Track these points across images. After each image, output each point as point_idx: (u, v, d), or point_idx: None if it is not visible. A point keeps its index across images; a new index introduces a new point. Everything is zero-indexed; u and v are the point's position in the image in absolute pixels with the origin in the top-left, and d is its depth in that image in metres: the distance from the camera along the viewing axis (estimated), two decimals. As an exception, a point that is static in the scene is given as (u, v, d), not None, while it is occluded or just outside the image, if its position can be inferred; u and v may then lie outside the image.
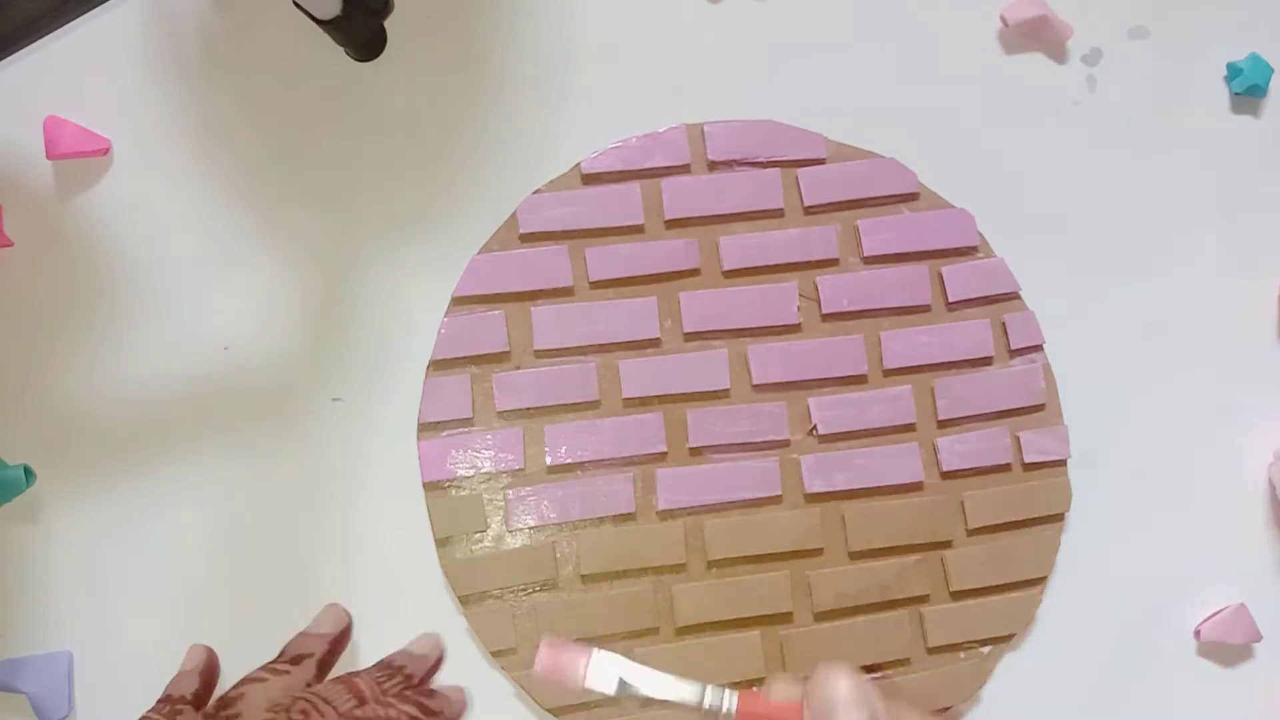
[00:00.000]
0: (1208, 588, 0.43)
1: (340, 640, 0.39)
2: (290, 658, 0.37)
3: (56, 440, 0.40)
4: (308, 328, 0.41)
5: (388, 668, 0.37)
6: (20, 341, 0.41)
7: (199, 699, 0.38)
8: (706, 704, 0.29)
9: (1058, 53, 0.46)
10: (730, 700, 0.30)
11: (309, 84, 0.43)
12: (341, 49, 0.43)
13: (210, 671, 0.38)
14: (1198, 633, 0.43)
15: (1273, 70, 0.46)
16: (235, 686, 0.36)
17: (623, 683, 0.30)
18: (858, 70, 0.45)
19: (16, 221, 0.41)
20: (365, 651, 0.39)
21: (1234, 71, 0.46)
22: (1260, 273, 0.45)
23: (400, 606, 0.40)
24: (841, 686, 0.28)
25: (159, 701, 0.37)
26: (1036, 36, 0.46)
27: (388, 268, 0.42)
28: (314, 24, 0.41)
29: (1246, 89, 0.46)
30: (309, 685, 0.37)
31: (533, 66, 0.44)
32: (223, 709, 0.35)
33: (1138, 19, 0.47)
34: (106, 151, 0.42)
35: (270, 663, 0.37)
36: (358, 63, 0.43)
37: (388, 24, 0.43)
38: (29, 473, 0.39)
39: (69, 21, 0.43)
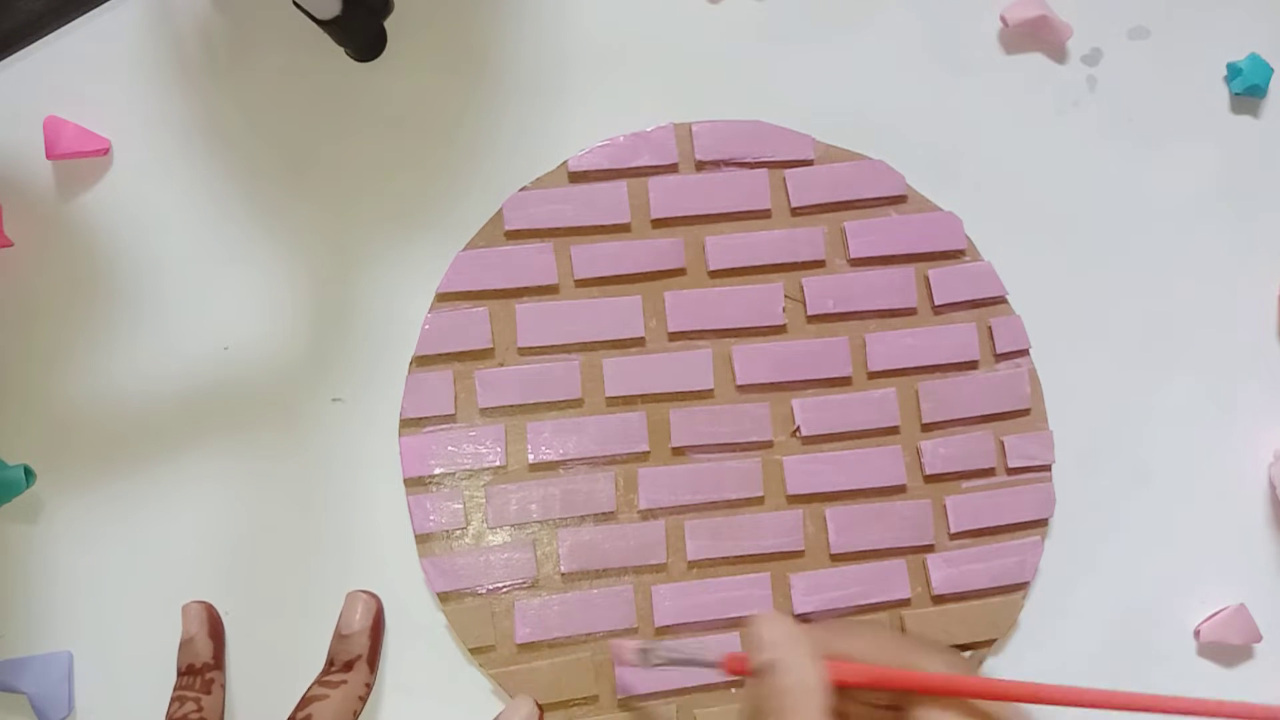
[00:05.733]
0: (1208, 588, 0.43)
1: (378, 629, 0.39)
2: (341, 665, 0.38)
3: (56, 440, 0.40)
4: (309, 327, 0.41)
5: None
6: (20, 341, 0.41)
7: (219, 660, 0.38)
8: (702, 661, 0.34)
9: (1058, 53, 0.46)
10: (716, 654, 0.33)
11: (309, 84, 0.43)
12: (341, 49, 0.43)
13: (216, 629, 0.39)
14: (1198, 633, 0.43)
15: (1273, 70, 0.46)
16: (299, 708, 0.37)
17: (642, 653, 0.35)
18: (856, 71, 0.45)
19: (16, 221, 0.41)
20: (393, 644, 0.40)
21: (1234, 71, 0.46)
22: (1260, 273, 0.45)
23: (404, 602, 0.40)
24: (767, 630, 0.29)
25: (183, 675, 0.38)
26: (1036, 36, 0.46)
27: (389, 266, 0.42)
28: (314, 24, 0.41)
29: (1246, 89, 0.46)
30: (369, 686, 0.38)
31: (534, 66, 0.44)
32: None
33: (1138, 19, 0.47)
34: (106, 151, 0.42)
35: (323, 675, 0.38)
36: (358, 63, 0.43)
37: (388, 24, 0.43)
38: (29, 473, 0.39)
39: (69, 21, 0.43)
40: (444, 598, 0.39)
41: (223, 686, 0.38)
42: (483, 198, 0.42)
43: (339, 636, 0.39)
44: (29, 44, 0.43)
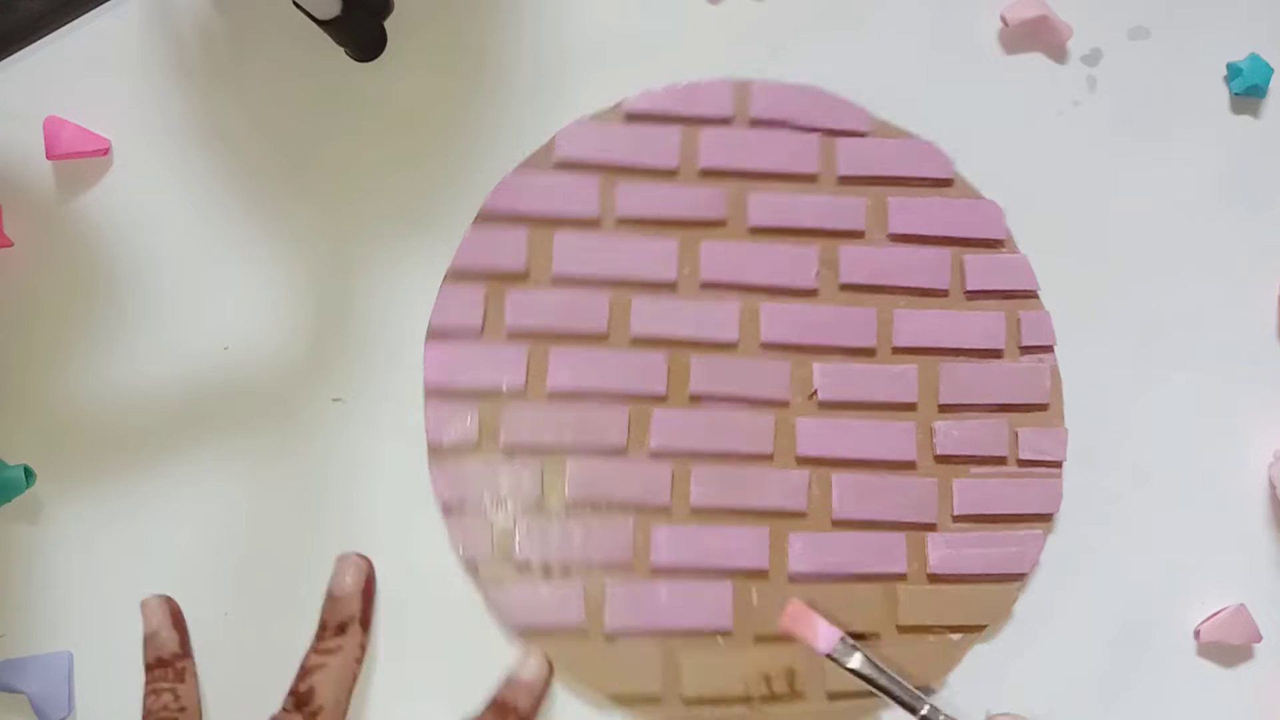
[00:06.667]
0: (1208, 588, 0.43)
1: (370, 589, 0.39)
2: (334, 628, 0.38)
3: (56, 440, 0.40)
4: (309, 327, 0.41)
5: (501, 710, 0.37)
6: (20, 341, 0.41)
7: (186, 649, 0.38)
8: (923, 713, 0.34)
9: (1058, 53, 0.46)
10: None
11: (309, 84, 0.43)
12: (341, 49, 0.43)
13: (179, 619, 0.39)
14: (1198, 633, 0.43)
15: (1273, 70, 0.46)
16: (301, 678, 0.37)
17: (865, 660, 0.37)
18: (855, 70, 0.45)
19: (16, 221, 0.41)
20: (393, 641, 0.40)
21: (1234, 71, 0.46)
22: (1260, 273, 0.45)
23: (411, 594, 0.40)
24: None
25: (154, 668, 0.38)
26: (1036, 36, 0.46)
27: (389, 266, 0.42)
28: (314, 24, 0.41)
29: (1246, 89, 0.46)
30: (363, 647, 0.38)
31: (534, 66, 0.44)
32: (302, 705, 0.36)
33: (1138, 19, 0.47)
34: (106, 151, 0.42)
35: (318, 642, 0.38)
36: (358, 63, 0.43)
37: (388, 24, 0.44)
38: (29, 473, 0.39)
39: (69, 21, 0.43)
40: (447, 508, 0.40)
41: (195, 675, 0.38)
42: (482, 198, 0.42)
43: (331, 599, 0.39)
44: (29, 44, 0.43)
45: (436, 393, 0.41)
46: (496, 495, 0.40)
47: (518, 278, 0.42)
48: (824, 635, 0.38)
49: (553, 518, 0.40)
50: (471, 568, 0.40)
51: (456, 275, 0.41)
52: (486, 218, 0.42)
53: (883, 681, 0.37)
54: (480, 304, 0.41)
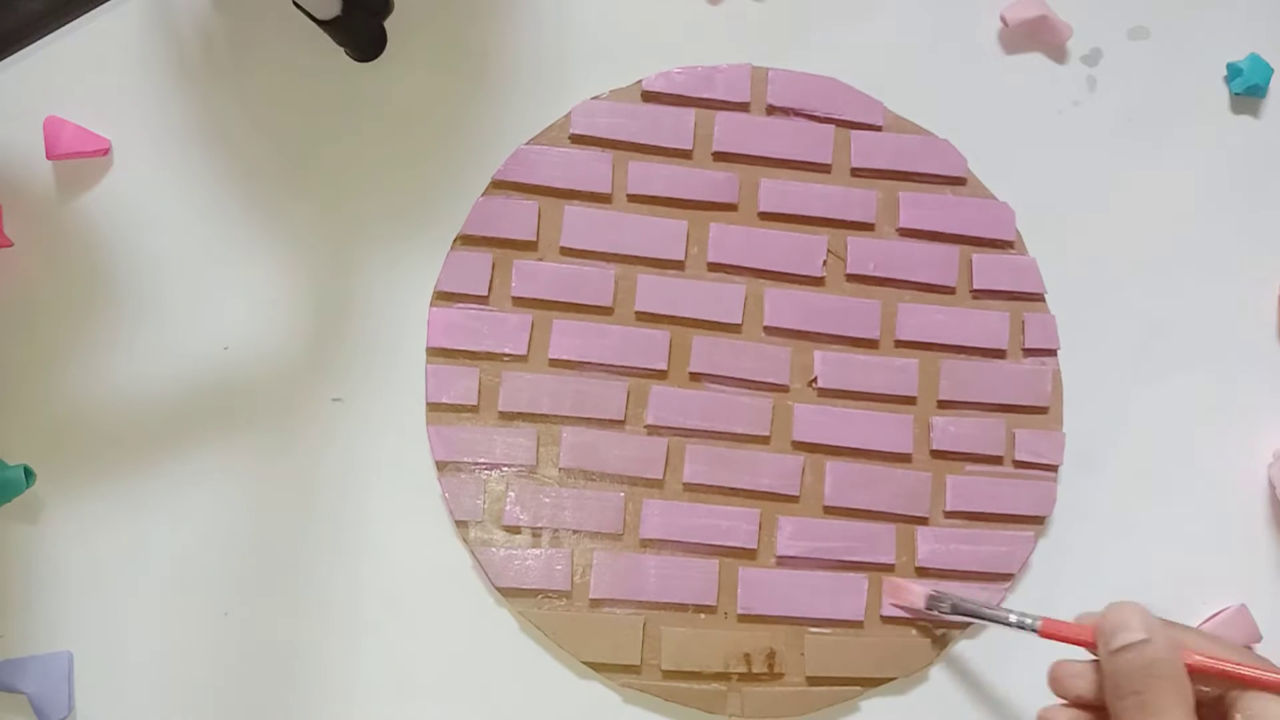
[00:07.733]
0: (1208, 588, 0.43)
1: None
2: None
3: (56, 440, 0.40)
4: (309, 327, 0.42)
5: None
6: (20, 341, 0.41)
7: None
8: (1014, 620, 0.35)
9: (1058, 53, 0.46)
10: (1035, 620, 0.35)
11: (309, 84, 0.43)
12: (341, 49, 0.43)
13: None
14: (1198, 633, 0.43)
15: (1273, 70, 0.46)
16: None
17: (935, 598, 0.38)
18: (855, 71, 0.45)
19: (16, 221, 0.41)
20: (391, 639, 0.40)
21: (1234, 71, 0.46)
22: (1260, 273, 0.45)
23: (409, 592, 0.40)
24: (1132, 613, 0.31)
25: None
26: (1036, 36, 0.46)
27: (388, 265, 0.42)
28: (314, 24, 0.41)
29: (1246, 89, 0.46)
30: None
31: (534, 66, 0.44)
32: None
33: (1138, 19, 0.47)
34: (106, 151, 0.42)
35: None
36: (358, 63, 0.43)
37: (388, 24, 0.44)
38: (29, 473, 0.39)
39: (69, 21, 0.43)
40: (441, 467, 0.40)
41: None
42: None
43: None
44: (29, 44, 0.43)
45: (439, 354, 0.41)
46: (491, 458, 0.40)
47: (526, 247, 0.42)
48: (917, 593, 0.39)
49: (545, 484, 0.40)
50: (460, 529, 0.40)
51: (466, 240, 0.42)
52: (500, 186, 0.42)
53: (976, 614, 0.38)
54: (487, 271, 0.42)
